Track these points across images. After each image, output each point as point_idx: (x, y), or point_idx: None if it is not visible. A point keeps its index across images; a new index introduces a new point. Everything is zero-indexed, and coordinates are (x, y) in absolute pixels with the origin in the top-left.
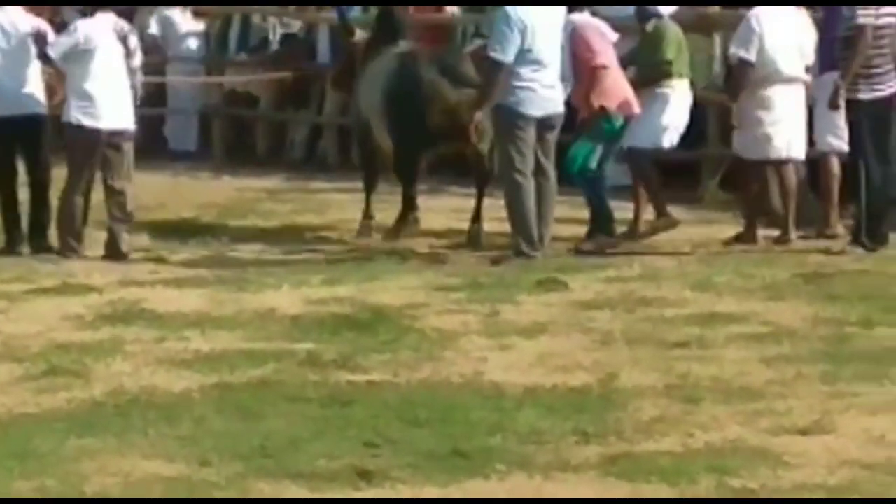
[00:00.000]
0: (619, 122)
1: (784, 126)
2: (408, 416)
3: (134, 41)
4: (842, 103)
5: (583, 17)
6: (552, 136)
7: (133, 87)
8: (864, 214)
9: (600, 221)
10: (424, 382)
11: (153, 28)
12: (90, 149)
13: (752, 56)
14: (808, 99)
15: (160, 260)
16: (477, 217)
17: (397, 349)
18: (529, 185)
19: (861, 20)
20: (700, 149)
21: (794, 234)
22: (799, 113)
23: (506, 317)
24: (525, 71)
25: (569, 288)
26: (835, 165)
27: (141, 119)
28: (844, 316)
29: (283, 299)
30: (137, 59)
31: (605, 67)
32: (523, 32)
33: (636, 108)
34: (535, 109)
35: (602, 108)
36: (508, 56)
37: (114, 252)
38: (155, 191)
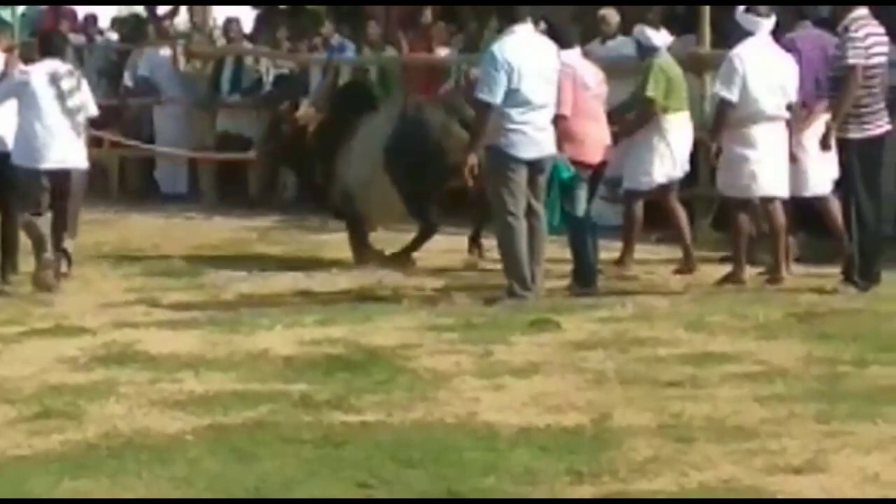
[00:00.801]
0: (567, 172)
1: (768, 164)
2: (402, 457)
3: (69, 83)
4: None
5: (566, 58)
6: (543, 178)
7: (74, 127)
8: (857, 253)
9: (579, 270)
10: (418, 423)
11: (143, 69)
12: (30, 187)
13: (734, 96)
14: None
15: (153, 302)
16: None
17: (391, 390)
18: (521, 227)
19: (851, 60)
20: (692, 188)
21: (785, 272)
22: (782, 151)
23: (499, 357)
24: (515, 113)
25: (562, 328)
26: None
27: (132, 162)
28: (837, 355)
29: (277, 340)
30: (76, 100)
31: (563, 118)
32: (510, 73)
33: (587, 158)
34: (526, 152)
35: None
36: (496, 97)
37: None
38: (148, 233)
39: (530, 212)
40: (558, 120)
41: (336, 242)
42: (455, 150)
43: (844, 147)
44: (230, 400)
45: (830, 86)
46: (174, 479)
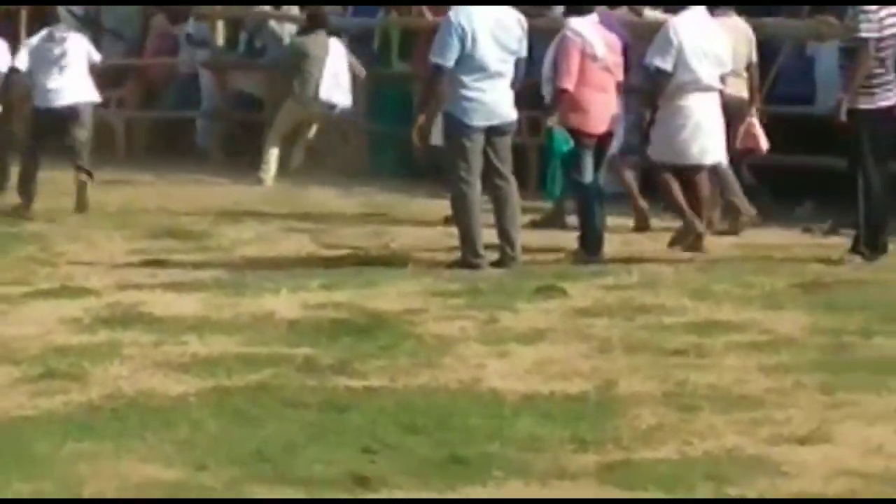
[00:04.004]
0: (565, 145)
1: (700, 134)
2: (405, 422)
3: None
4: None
5: (576, 26)
6: (505, 141)
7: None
8: (863, 224)
9: (586, 238)
10: (422, 388)
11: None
12: None
13: (668, 65)
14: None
15: (158, 263)
16: None
17: (395, 355)
18: (474, 195)
19: (864, 34)
20: None
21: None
22: (716, 121)
23: (504, 323)
24: (469, 80)
25: (567, 295)
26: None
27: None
28: (843, 325)
29: (282, 304)
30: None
31: (564, 91)
32: (463, 38)
33: (591, 128)
34: (480, 120)
35: (548, 129)
36: (448, 60)
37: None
38: (153, 194)
39: (499, 176)
40: (559, 92)
41: (342, 206)
42: None
43: (853, 118)
44: (234, 363)
45: (842, 57)
46: (177, 441)
